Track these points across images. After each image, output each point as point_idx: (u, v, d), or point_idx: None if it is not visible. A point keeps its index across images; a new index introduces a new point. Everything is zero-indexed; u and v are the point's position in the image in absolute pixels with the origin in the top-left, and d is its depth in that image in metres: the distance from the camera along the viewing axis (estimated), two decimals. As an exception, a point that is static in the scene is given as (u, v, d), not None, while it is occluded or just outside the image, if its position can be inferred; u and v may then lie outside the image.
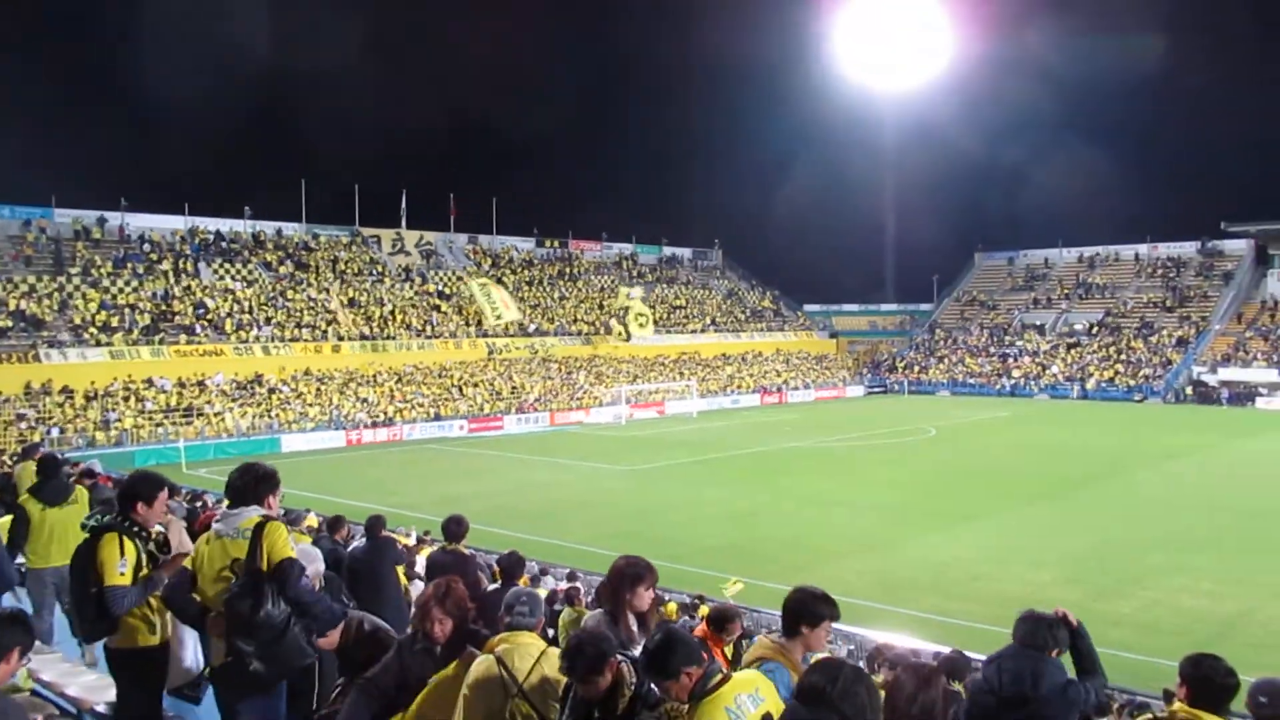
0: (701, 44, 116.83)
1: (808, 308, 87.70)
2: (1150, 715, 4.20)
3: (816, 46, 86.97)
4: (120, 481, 6.11)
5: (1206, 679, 4.03)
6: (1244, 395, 58.86)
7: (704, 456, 38.78)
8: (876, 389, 72.29)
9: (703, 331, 73.62)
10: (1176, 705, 4.08)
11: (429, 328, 58.78)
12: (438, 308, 61.07)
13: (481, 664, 4.10)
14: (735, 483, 32.39)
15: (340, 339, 53.43)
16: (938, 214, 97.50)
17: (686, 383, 60.79)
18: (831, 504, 28.28)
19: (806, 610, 4.06)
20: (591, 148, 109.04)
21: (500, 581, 7.85)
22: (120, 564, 5.08)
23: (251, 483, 4.95)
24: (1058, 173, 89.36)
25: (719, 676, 3.56)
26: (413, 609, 4.71)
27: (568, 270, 74.52)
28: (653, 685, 3.70)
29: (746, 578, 18.42)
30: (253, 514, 4.82)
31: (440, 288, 63.89)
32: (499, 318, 59.31)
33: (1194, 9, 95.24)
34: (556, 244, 77.29)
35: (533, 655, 4.09)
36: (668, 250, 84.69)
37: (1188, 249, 77.11)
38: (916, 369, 73.82)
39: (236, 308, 52.20)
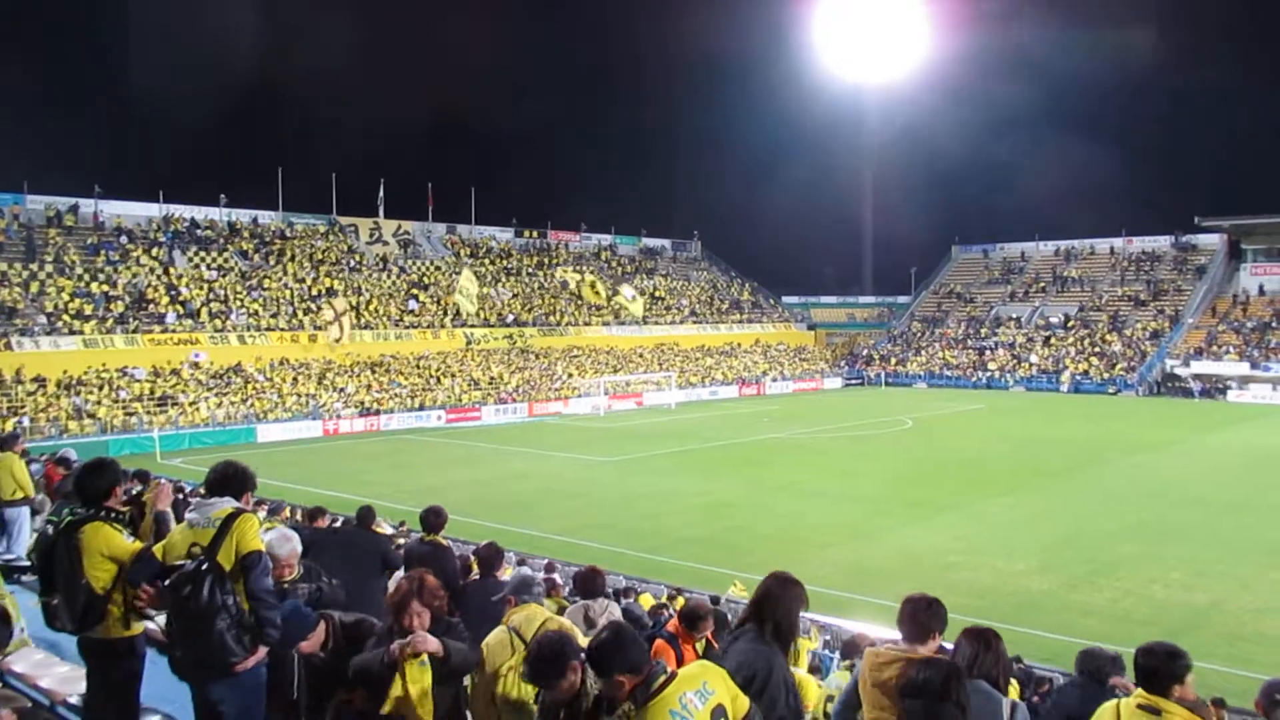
0: (684, 37, 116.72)
1: (786, 300, 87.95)
2: (1115, 702, 4.32)
3: (798, 40, 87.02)
4: (75, 472, 6.09)
5: (1154, 667, 4.19)
6: (1216, 388, 59.51)
7: (682, 448, 38.84)
8: (854, 381, 72.59)
9: (682, 323, 73.68)
10: (1136, 693, 4.21)
11: (406, 317, 58.56)
12: (415, 297, 60.81)
13: (498, 632, 5.01)
14: (713, 474, 32.46)
15: (317, 328, 53.10)
16: (916, 207, 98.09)
17: (666, 374, 60.84)
18: (809, 495, 28.40)
19: (939, 618, 4.30)
20: (572, 139, 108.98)
21: (479, 573, 7.83)
22: (126, 534, 5.13)
23: (230, 476, 4.98)
24: (1035, 166, 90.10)
25: (663, 678, 3.54)
26: (387, 606, 4.69)
27: (547, 261, 74.37)
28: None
29: (724, 569, 18.52)
30: (226, 504, 4.82)
31: (418, 277, 63.63)
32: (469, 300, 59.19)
33: (1172, 7, 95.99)
34: (535, 234, 77.07)
35: (538, 621, 4.99)
36: (647, 241, 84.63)
37: (1162, 243, 77.78)
38: (894, 361, 74.17)
39: (211, 296, 51.78)
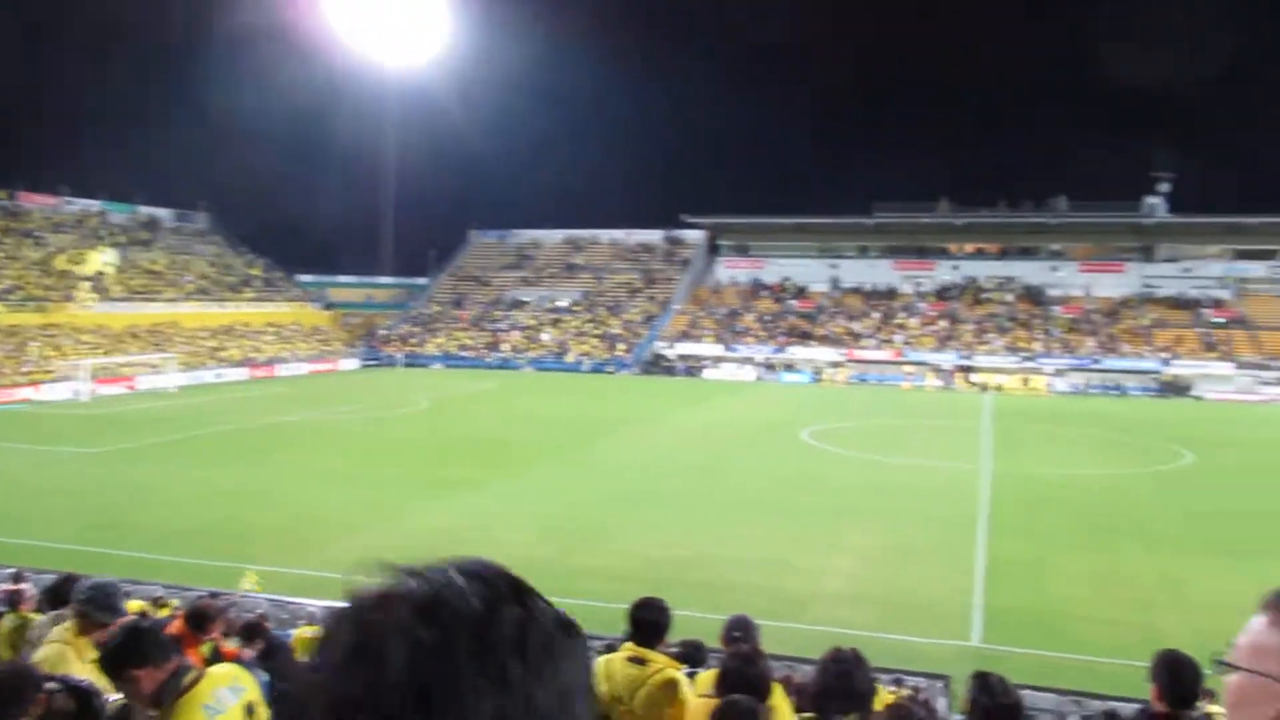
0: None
1: (301, 278, 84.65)
2: (606, 657, 4.84)
3: (320, 14, 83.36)
4: None
5: (654, 620, 4.69)
6: (695, 367, 67.49)
7: (186, 434, 35.98)
8: (372, 362, 71.97)
9: (184, 300, 68.02)
10: (625, 646, 4.70)
11: None
12: None
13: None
14: (220, 461, 30.52)
15: None
16: (437, 191, 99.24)
17: (165, 355, 55.77)
18: (325, 479, 27.75)
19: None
20: (49, 90, 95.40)
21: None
22: None
23: None
24: (548, 159, 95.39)
25: (193, 674, 3.48)
26: None
27: (15, 227, 64.65)
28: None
29: (232, 562, 17.59)
30: None
31: None
32: None
33: (666, 25, 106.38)
34: (3, 195, 66.64)
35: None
36: (144, 210, 76.84)
37: (655, 236, 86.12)
38: (413, 342, 74.68)
39: None
